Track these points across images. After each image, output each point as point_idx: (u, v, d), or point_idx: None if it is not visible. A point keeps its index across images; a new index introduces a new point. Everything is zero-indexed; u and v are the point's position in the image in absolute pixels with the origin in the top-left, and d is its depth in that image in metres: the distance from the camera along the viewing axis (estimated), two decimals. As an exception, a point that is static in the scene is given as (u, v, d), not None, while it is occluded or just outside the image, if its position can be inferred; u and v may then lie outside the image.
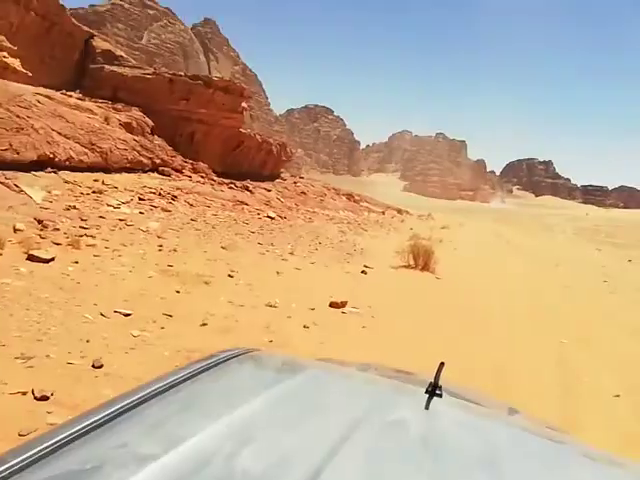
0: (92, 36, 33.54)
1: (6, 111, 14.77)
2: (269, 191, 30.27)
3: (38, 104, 17.15)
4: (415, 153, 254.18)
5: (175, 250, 10.21)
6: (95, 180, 16.14)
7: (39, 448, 0.82)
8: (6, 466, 0.76)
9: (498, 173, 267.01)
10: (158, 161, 23.20)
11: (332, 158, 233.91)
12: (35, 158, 14.44)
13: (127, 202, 14.65)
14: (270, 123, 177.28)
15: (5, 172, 12.55)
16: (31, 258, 7.26)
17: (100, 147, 18.68)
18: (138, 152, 21.60)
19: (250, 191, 26.70)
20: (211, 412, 1.01)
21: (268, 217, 20.92)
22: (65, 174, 15.34)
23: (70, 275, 6.98)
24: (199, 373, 1.20)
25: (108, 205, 13.55)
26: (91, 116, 21.04)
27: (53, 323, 5.14)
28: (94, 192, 14.50)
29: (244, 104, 36.15)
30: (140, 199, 15.69)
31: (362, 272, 11.49)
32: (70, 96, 23.19)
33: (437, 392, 1.22)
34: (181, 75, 33.18)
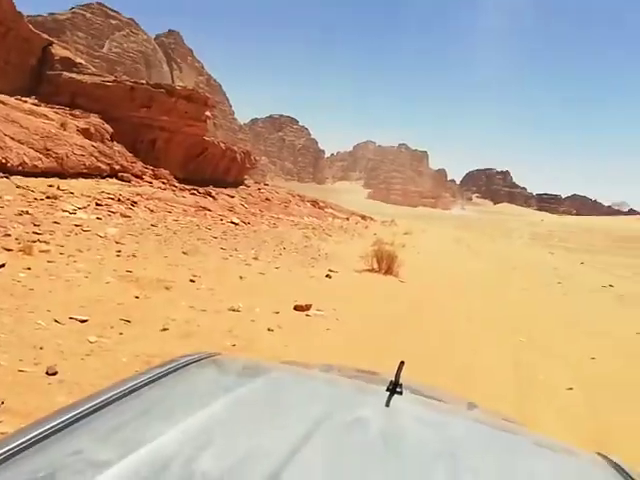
0: (50, 43, 32.63)
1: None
2: (232, 197, 30.01)
3: (-11, 107, 16.43)
4: (378, 162, 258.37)
5: (134, 255, 9.94)
6: (50, 185, 15.55)
7: None
8: None
9: (458, 182, 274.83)
10: (117, 167, 22.62)
11: (297, 166, 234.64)
12: (-16, 163, 13.79)
13: (84, 207, 14.17)
14: (234, 132, 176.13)
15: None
16: (-21, 264, 6.90)
17: (56, 152, 18.05)
18: (96, 158, 20.99)
19: (213, 197, 26.37)
20: (170, 416, 1.00)
21: (231, 223, 20.70)
22: (17, 179, 14.73)
23: (22, 281, 6.67)
24: (159, 378, 1.18)
25: (63, 210, 13.06)
26: (47, 121, 20.34)
27: (3, 330, 4.89)
28: (48, 197, 13.96)
29: (208, 113, 35.93)
30: (97, 204, 15.21)
31: (327, 276, 11.53)
32: (25, 101, 22.43)
33: (398, 390, 1.24)
34: (143, 83, 32.66)
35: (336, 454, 0.92)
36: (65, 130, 20.75)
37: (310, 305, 8.00)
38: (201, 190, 26.59)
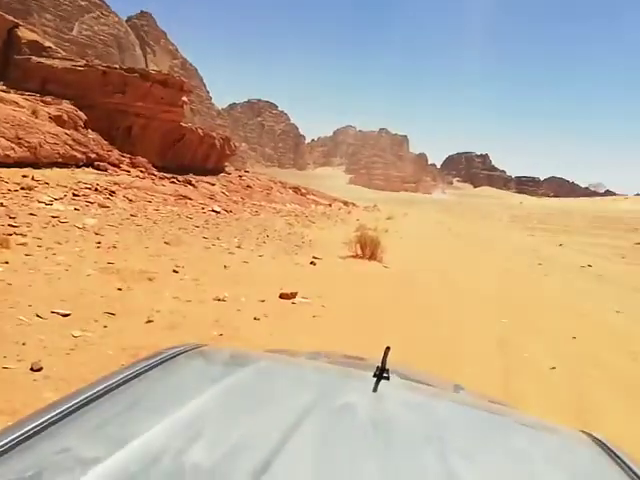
0: (16, 25, 31.40)
1: None
2: (213, 185, 29.66)
3: (-46, 95, 15.79)
4: (359, 147, 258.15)
5: (115, 247, 9.76)
6: (24, 176, 15.12)
7: None
8: None
9: (439, 166, 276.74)
10: (93, 155, 22.10)
11: (277, 152, 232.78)
12: (-47, 153, 13.31)
13: (60, 198, 13.83)
14: (212, 117, 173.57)
15: None
16: (-47, 259, 6.68)
17: (28, 141, 17.52)
18: (70, 146, 20.46)
19: (193, 185, 26.02)
20: (158, 410, 0.99)
21: (213, 211, 20.49)
22: (-11, 170, 14.25)
23: (0, 276, 6.50)
24: (146, 371, 1.17)
25: (39, 202, 12.73)
26: (17, 109, 19.68)
27: (-19, 327, 4.76)
28: (23, 188, 13.58)
29: (184, 98, 35.23)
30: (74, 195, 14.86)
31: (311, 263, 11.52)
32: (-8, 87, 21.59)
33: (385, 375, 1.25)
34: (116, 67, 31.77)
35: (325, 441, 0.92)
36: (37, 118, 20.12)
37: (295, 293, 7.99)
38: (181, 178, 26.21)
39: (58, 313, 5.52)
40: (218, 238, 13.52)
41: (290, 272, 10.20)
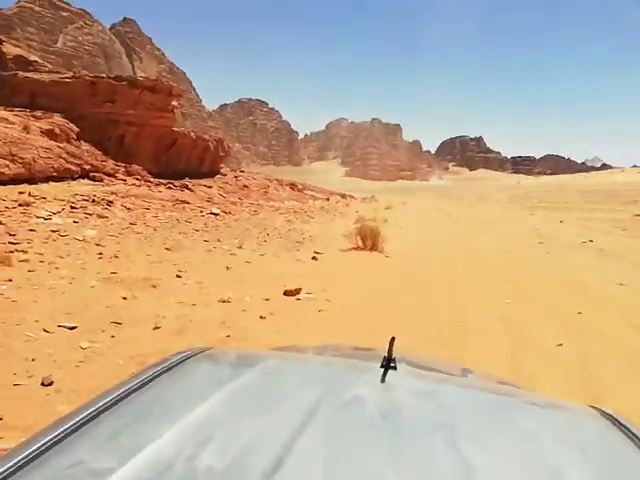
0: (0, 41, 31.21)
1: None
2: (210, 187, 29.63)
3: (-56, 116, 15.78)
4: (353, 139, 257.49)
5: (116, 256, 9.78)
6: (20, 192, 15.12)
7: None
8: None
9: (433, 152, 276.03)
10: (88, 167, 22.08)
11: (271, 150, 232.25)
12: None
13: (58, 212, 13.84)
14: (204, 119, 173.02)
15: None
16: (-43, 281, 6.71)
17: (22, 157, 17.50)
18: (65, 159, 20.44)
19: (190, 189, 26.00)
20: (168, 416, 1.00)
21: (212, 214, 20.49)
22: (-15, 189, 14.26)
23: (4, 294, 6.52)
24: (153, 379, 1.17)
25: (38, 217, 12.74)
26: (8, 126, 19.65)
27: (-9, 345, 4.79)
28: (20, 205, 13.59)
29: (174, 102, 35.14)
30: (72, 208, 14.87)
31: (313, 258, 11.54)
32: (-19, 106, 21.55)
33: (392, 365, 1.25)
34: (103, 77, 31.68)
35: (334, 436, 0.93)
36: (29, 133, 20.09)
37: (300, 289, 8.01)
38: (177, 183, 26.19)
39: (65, 326, 5.55)
40: (219, 240, 13.54)
41: (292, 269, 10.22)
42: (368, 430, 0.96)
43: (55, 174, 19.30)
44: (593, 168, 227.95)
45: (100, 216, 14.69)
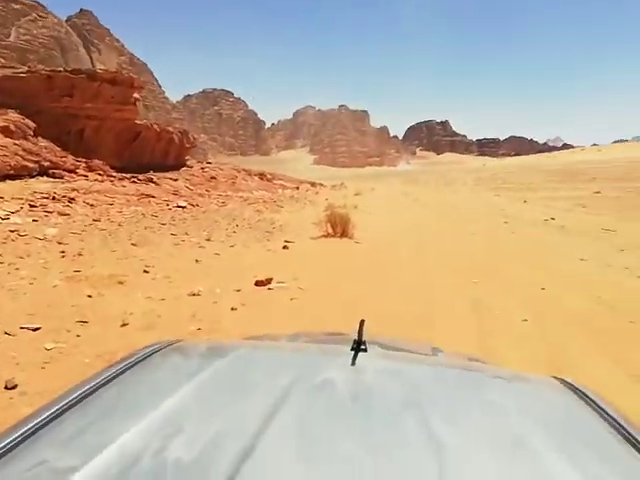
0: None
1: None
2: (176, 180, 29.06)
3: None
4: (321, 127, 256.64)
5: (80, 254, 9.50)
6: (-26, 192, 14.46)
7: None
8: None
9: (401, 137, 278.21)
10: (46, 164, 21.29)
11: (238, 140, 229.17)
12: None
13: (17, 211, 13.32)
14: (167, 111, 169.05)
15: None
16: None
17: (-26, 155, 16.70)
18: (21, 157, 19.64)
19: (155, 183, 25.44)
20: (135, 411, 0.97)
21: (178, 207, 20.13)
22: (-64, 190, 13.57)
23: (-40, 298, 6.25)
24: (120, 374, 1.15)
25: (-5, 217, 12.23)
26: (-43, 122, 18.69)
27: (-53, 352, 4.60)
28: (-25, 205, 13.00)
29: (136, 95, 34.15)
30: (31, 206, 14.34)
31: (284, 247, 11.51)
32: None
33: (362, 347, 1.25)
34: (60, 70, 30.44)
35: (307, 420, 0.93)
36: (-19, 131, 19.18)
37: (271, 279, 7.98)
38: (141, 177, 25.57)
39: (28, 328, 5.37)
40: (187, 233, 13.33)
41: (263, 259, 10.17)
42: (339, 413, 0.96)
43: (12, 172, 18.54)
44: (555, 148, 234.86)
45: (61, 214, 14.21)
